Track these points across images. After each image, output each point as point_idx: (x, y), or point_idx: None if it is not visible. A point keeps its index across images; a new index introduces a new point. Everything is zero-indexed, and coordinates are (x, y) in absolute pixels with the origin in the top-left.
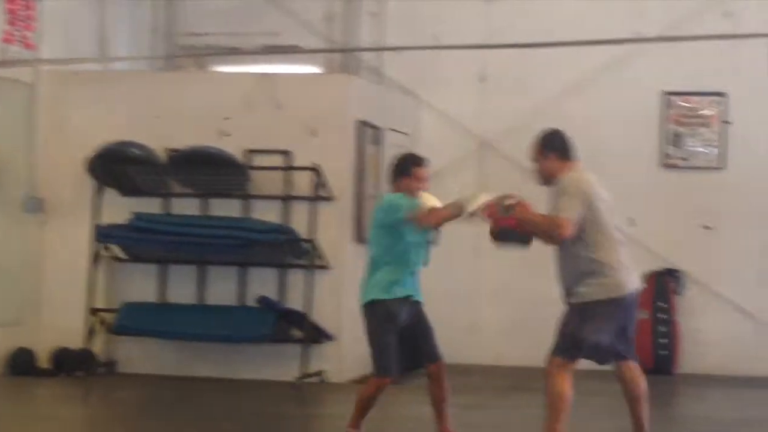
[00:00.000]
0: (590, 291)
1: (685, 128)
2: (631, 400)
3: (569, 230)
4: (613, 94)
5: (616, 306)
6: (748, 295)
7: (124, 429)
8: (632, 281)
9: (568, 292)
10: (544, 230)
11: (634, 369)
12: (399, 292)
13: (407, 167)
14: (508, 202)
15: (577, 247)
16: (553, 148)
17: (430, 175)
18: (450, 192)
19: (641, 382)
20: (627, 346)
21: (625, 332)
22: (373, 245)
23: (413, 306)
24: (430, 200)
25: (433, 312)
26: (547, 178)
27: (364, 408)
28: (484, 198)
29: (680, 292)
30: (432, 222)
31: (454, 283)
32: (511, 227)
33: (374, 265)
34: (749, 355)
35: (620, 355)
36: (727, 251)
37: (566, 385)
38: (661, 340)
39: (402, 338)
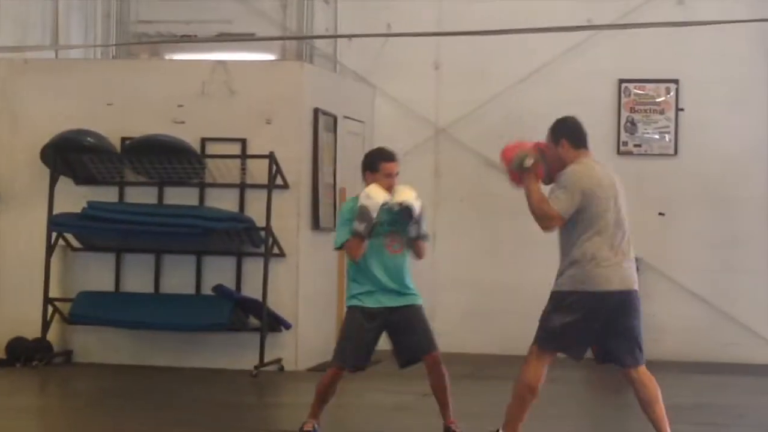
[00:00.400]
0: (565, 281)
1: (639, 115)
2: (643, 404)
3: (557, 224)
4: (568, 81)
5: (592, 300)
6: (703, 281)
7: (80, 419)
8: (619, 279)
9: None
10: (535, 214)
11: (640, 373)
12: (369, 303)
13: (375, 162)
14: (528, 160)
15: (567, 235)
16: (565, 134)
17: (398, 170)
18: (405, 180)
19: (650, 385)
20: (621, 347)
21: (614, 332)
22: None
23: (393, 312)
24: (404, 193)
25: None
26: (559, 168)
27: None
28: (404, 195)
29: None
30: (351, 255)
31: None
32: (515, 182)
33: (347, 273)
34: (704, 340)
35: (611, 356)
36: (681, 237)
37: (534, 375)
38: None
39: (392, 335)
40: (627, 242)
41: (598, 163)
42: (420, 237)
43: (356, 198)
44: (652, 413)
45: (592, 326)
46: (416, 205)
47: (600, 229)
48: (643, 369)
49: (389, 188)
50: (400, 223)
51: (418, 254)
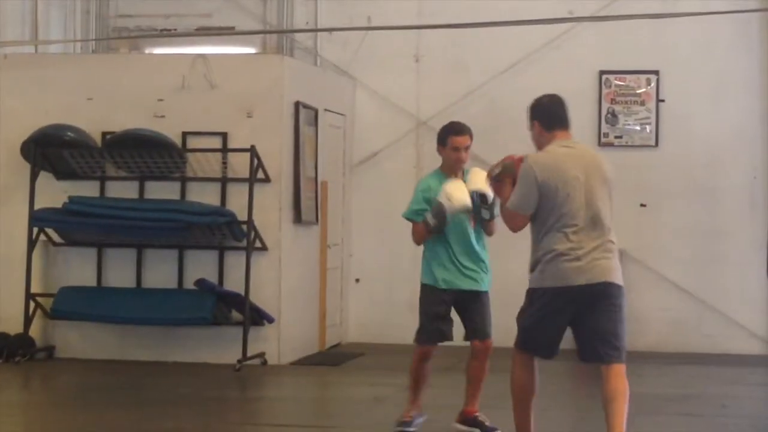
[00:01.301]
0: (532, 277)
1: (620, 106)
2: (603, 400)
3: (520, 222)
4: (549, 73)
5: (555, 296)
6: (685, 272)
7: (63, 414)
8: (585, 273)
9: None
10: (503, 217)
11: (609, 371)
12: (441, 284)
13: (444, 137)
14: (496, 170)
15: (533, 229)
16: (536, 116)
17: (468, 144)
18: (386, 172)
19: (614, 383)
20: (593, 343)
21: (585, 327)
22: None
23: (458, 294)
24: (477, 179)
25: (374, 292)
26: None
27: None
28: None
29: None
30: (414, 240)
31: (394, 262)
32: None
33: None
34: (686, 331)
35: (584, 352)
36: (663, 229)
37: (519, 376)
38: None
39: (458, 313)
40: (601, 231)
41: (571, 146)
42: (492, 218)
43: (434, 175)
44: (608, 411)
45: (557, 323)
46: (489, 191)
47: (560, 220)
48: (615, 368)
49: (457, 161)
50: (475, 207)
51: (489, 232)
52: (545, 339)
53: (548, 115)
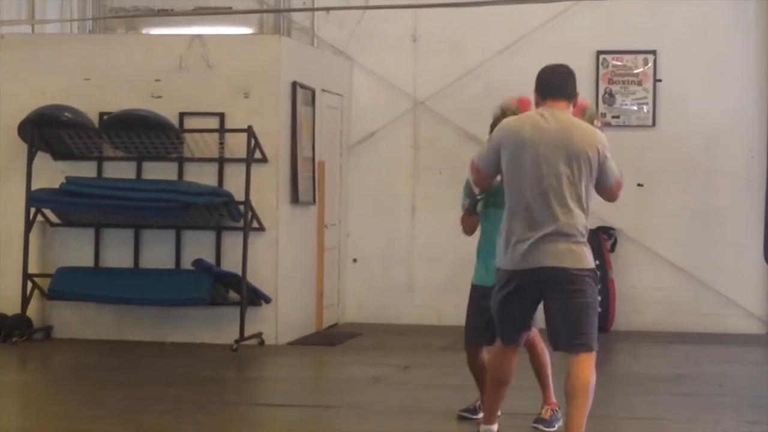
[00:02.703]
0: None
1: (617, 87)
2: (564, 395)
3: (478, 179)
4: (546, 53)
5: (509, 279)
6: (681, 252)
7: (60, 394)
8: (531, 257)
9: None
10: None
11: (571, 359)
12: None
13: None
14: (496, 111)
15: None
16: (536, 85)
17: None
18: (384, 153)
19: (574, 375)
20: (556, 330)
21: (549, 313)
22: None
23: None
24: None
25: (372, 272)
26: None
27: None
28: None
29: (614, 250)
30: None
31: (391, 242)
32: None
33: None
34: (682, 311)
35: (555, 342)
36: (659, 208)
37: (490, 358)
38: (597, 298)
39: None
40: (556, 211)
41: (547, 115)
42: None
43: None
44: (567, 408)
45: (511, 307)
46: None
47: (512, 197)
48: (578, 358)
49: None
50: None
51: None
52: (504, 320)
53: (543, 84)
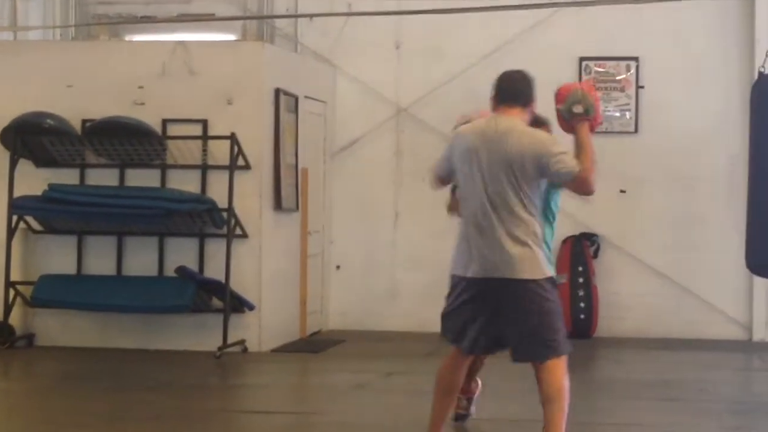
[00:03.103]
0: None
1: (600, 93)
2: (542, 401)
3: (433, 180)
4: (529, 60)
5: (458, 284)
6: (664, 258)
7: (43, 402)
8: (479, 265)
9: None
10: None
11: (541, 367)
12: None
13: None
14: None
15: None
16: (493, 90)
17: None
18: (367, 159)
19: (549, 381)
20: (522, 345)
21: (505, 322)
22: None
23: None
24: None
25: (355, 279)
26: None
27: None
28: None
29: (597, 256)
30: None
31: (374, 249)
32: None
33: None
34: (665, 317)
35: (519, 354)
36: (642, 214)
37: (441, 364)
38: (580, 304)
39: None
40: (502, 218)
41: (493, 120)
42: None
43: None
44: (546, 411)
45: (462, 313)
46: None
47: (464, 203)
48: (549, 365)
49: None
50: None
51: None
52: (455, 327)
53: (498, 90)
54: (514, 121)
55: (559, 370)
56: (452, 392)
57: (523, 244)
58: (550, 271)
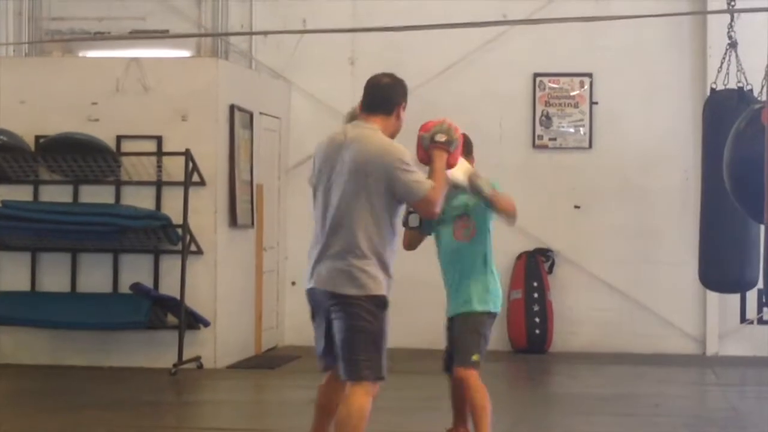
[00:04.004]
0: None
1: (554, 109)
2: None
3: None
4: (484, 76)
5: (307, 298)
6: (618, 273)
7: None
8: (316, 276)
9: None
10: None
11: (348, 390)
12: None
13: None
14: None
15: None
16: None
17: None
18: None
19: (342, 406)
20: (336, 353)
21: (330, 338)
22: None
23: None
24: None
25: None
26: None
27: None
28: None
29: (552, 271)
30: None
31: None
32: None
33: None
34: (619, 332)
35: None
36: (597, 230)
37: (321, 385)
38: (535, 319)
39: None
40: (335, 232)
41: (345, 130)
42: (487, 197)
43: None
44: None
45: (315, 327)
46: (458, 174)
47: (313, 213)
48: (349, 387)
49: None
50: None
51: (497, 210)
52: (316, 342)
53: (363, 97)
54: (367, 129)
55: (357, 395)
56: (323, 413)
57: (353, 258)
58: (379, 290)
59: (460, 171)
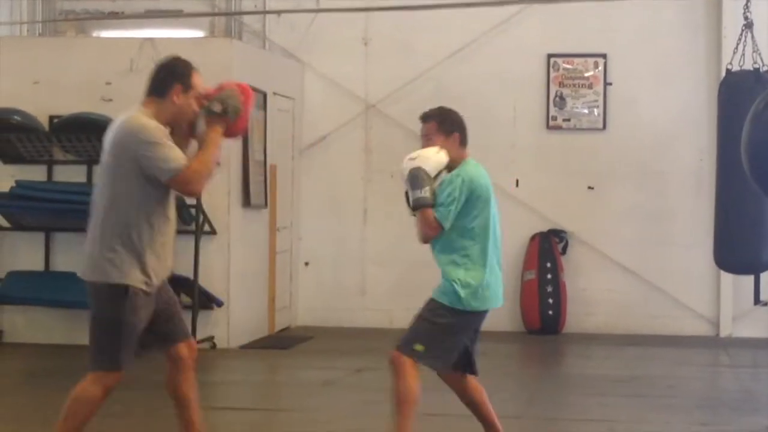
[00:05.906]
0: None
1: (568, 90)
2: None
3: None
4: (497, 57)
5: None
6: (632, 255)
7: (9, 399)
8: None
9: None
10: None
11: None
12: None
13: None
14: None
15: None
16: None
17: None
18: (335, 156)
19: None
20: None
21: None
22: None
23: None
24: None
25: (323, 275)
26: None
27: None
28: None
29: (566, 252)
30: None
31: (343, 245)
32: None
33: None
34: (633, 313)
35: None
36: (609, 211)
37: None
38: (548, 300)
39: None
40: (93, 218)
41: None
42: (414, 207)
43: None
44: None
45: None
46: (408, 166)
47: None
48: (92, 376)
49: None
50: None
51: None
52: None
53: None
54: (130, 113)
55: (86, 385)
56: (179, 402)
57: (96, 243)
58: (116, 279)
59: (431, 161)
